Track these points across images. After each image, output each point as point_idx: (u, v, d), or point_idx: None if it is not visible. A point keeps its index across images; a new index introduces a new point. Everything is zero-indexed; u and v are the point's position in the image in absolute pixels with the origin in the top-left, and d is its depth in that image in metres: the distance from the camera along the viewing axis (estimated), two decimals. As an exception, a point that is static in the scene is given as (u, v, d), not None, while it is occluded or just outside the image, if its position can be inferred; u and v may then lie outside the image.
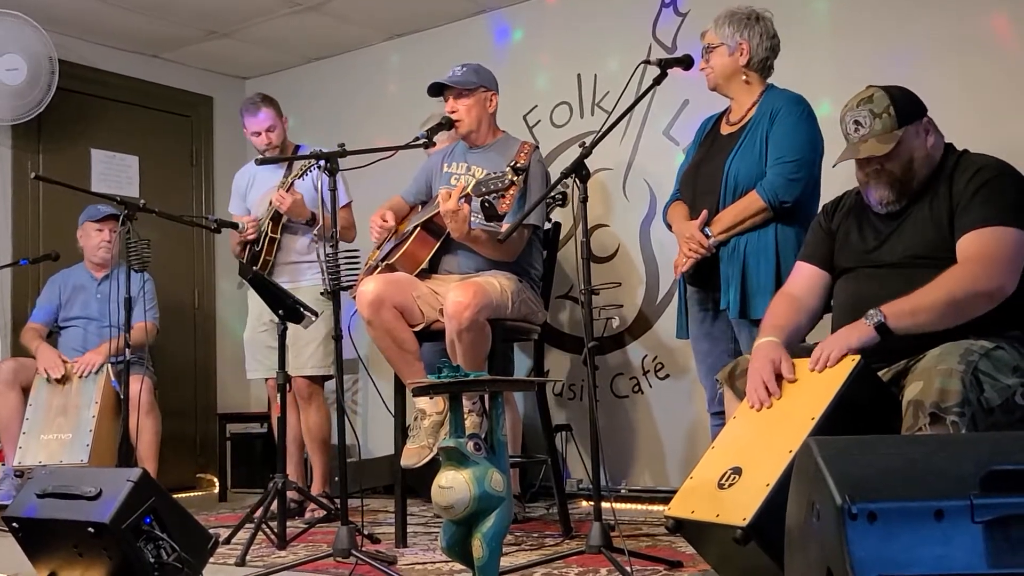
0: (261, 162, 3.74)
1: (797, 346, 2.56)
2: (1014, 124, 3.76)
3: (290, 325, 3.43)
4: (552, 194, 3.58)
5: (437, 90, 3.67)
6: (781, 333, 2.53)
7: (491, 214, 3.28)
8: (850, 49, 4.05)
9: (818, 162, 3.12)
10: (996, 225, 2.36)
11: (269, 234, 4.31)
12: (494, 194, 3.21)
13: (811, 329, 2.72)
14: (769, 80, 3.24)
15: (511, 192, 3.23)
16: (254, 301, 4.47)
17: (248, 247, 4.40)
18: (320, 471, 4.39)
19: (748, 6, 3.23)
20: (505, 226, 3.35)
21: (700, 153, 3.30)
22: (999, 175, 2.44)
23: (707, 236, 3.09)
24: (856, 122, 2.52)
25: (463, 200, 3.31)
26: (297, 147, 4.51)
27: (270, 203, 4.30)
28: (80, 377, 4.35)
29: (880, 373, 2.35)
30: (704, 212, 3.12)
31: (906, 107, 2.51)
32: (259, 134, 4.38)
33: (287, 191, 4.16)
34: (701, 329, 3.26)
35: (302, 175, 3.94)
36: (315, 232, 4.23)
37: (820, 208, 2.82)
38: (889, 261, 2.50)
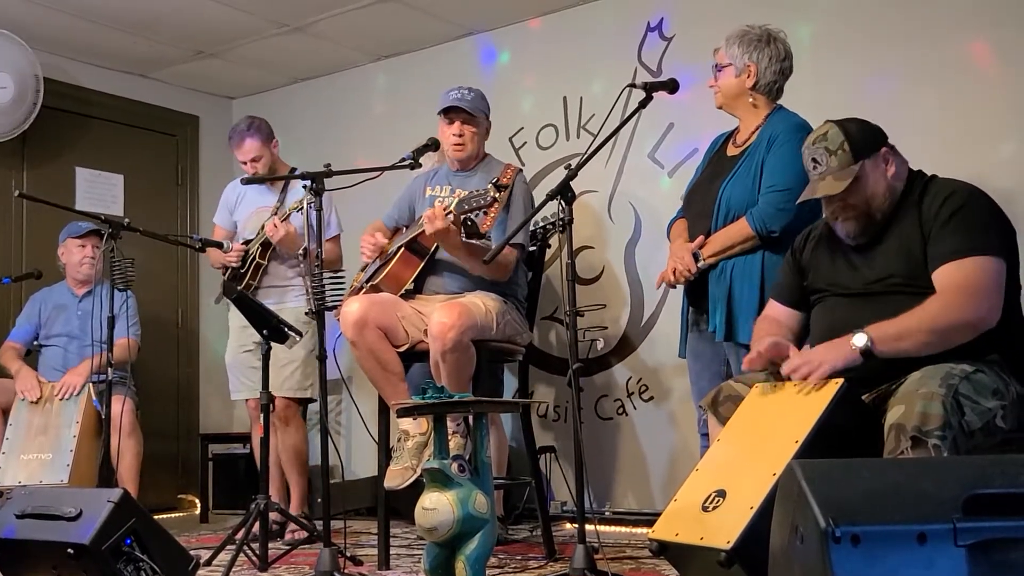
0: (247, 182, 3.75)
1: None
2: (993, 149, 3.80)
3: (273, 345, 3.42)
4: (552, 220, 3.58)
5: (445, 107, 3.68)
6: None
7: (472, 232, 3.29)
8: (832, 75, 4.08)
9: None
10: (974, 255, 2.36)
11: (257, 259, 4.25)
12: (476, 211, 3.23)
13: None
14: (779, 102, 3.21)
15: (493, 210, 3.25)
16: (235, 322, 4.44)
17: (228, 268, 4.37)
18: (298, 492, 4.34)
19: (763, 25, 3.18)
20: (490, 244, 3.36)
21: (704, 173, 3.31)
22: (969, 201, 2.44)
23: (697, 259, 3.10)
24: (814, 160, 2.54)
25: (448, 216, 3.30)
26: (293, 169, 4.32)
27: (262, 227, 4.25)
28: (61, 400, 4.30)
29: (863, 397, 2.36)
30: (700, 237, 3.12)
31: (861, 140, 2.51)
32: (245, 163, 4.34)
33: (282, 221, 4.08)
34: (694, 349, 3.26)
35: (299, 208, 3.87)
36: (299, 253, 4.17)
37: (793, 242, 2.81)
38: (863, 289, 2.51)
